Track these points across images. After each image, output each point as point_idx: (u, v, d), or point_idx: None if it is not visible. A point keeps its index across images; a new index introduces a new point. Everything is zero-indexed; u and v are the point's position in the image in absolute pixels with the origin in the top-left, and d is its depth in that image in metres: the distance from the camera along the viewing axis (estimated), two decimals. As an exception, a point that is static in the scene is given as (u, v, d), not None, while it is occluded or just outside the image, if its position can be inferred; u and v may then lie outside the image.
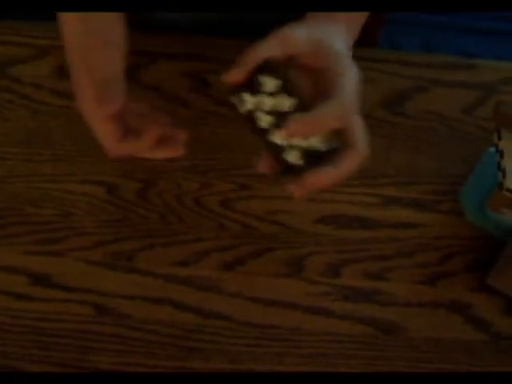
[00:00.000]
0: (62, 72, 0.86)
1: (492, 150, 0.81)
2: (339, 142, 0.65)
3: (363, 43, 0.84)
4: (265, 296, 0.79)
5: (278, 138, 0.66)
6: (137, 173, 0.83)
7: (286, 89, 0.66)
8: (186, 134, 0.73)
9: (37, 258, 0.80)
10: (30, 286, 0.79)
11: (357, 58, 0.86)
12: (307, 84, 0.68)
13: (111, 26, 0.70)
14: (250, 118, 0.66)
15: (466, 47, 1.15)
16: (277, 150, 0.66)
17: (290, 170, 0.66)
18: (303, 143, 0.65)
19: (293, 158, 0.66)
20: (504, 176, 0.74)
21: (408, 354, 0.78)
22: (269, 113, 0.66)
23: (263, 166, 0.67)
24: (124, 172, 0.83)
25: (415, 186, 0.84)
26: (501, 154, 0.75)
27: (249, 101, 0.66)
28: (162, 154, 0.74)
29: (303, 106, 0.65)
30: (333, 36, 0.68)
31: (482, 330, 0.79)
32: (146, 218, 0.81)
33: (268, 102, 0.66)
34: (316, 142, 0.65)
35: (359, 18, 0.72)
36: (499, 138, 0.75)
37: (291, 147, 0.65)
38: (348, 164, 0.65)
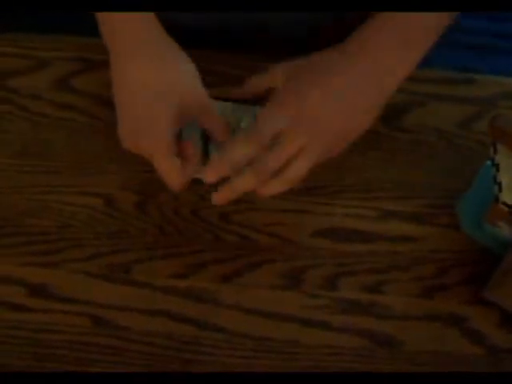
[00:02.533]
0: (62, 84, 0.87)
1: (489, 163, 0.82)
2: None
3: None
4: (262, 308, 0.79)
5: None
6: (135, 185, 0.83)
7: None
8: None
9: (34, 269, 0.80)
10: (26, 296, 0.79)
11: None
12: None
13: None
14: None
15: (464, 62, 1.16)
16: None
17: None
18: None
19: None
20: (500, 190, 0.75)
21: (404, 367, 0.78)
22: None
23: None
24: (122, 184, 0.83)
25: (412, 200, 0.84)
26: (497, 167, 0.75)
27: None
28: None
29: None
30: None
31: (479, 342, 0.79)
32: (144, 230, 0.81)
33: None
34: None
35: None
36: (495, 152, 0.75)
37: None
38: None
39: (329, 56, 0.69)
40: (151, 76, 0.72)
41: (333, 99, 0.67)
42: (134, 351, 0.77)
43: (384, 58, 0.67)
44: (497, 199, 0.76)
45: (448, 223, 0.83)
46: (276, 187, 0.70)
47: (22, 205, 0.82)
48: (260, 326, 0.79)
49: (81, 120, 0.86)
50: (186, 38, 0.92)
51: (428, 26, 0.68)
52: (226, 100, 0.82)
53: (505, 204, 0.75)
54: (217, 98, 0.83)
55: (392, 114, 0.87)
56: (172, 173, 0.73)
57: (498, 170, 0.75)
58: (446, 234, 0.83)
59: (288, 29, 0.92)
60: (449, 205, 0.84)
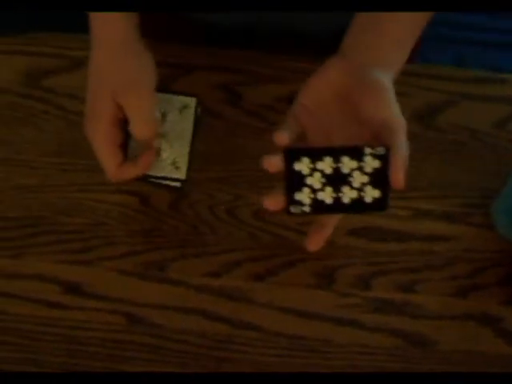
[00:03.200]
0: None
1: (524, 163, 0.81)
2: None
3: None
4: (295, 307, 0.79)
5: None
6: (169, 183, 0.83)
7: None
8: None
9: (68, 267, 0.80)
10: (61, 294, 0.79)
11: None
12: None
13: None
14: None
15: (498, 62, 1.16)
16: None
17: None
18: None
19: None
20: (536, 190, 0.75)
21: (438, 367, 0.78)
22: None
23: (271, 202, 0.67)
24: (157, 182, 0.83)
25: (447, 199, 0.84)
26: (533, 167, 0.75)
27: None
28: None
29: None
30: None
31: (514, 343, 0.79)
32: (178, 228, 0.82)
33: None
34: None
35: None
36: (531, 152, 0.75)
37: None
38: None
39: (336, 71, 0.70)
40: (106, 68, 0.76)
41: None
42: (167, 349, 0.77)
43: (379, 59, 0.70)
44: (532, 199, 0.75)
45: (482, 223, 0.83)
46: None
47: (57, 203, 0.82)
48: (293, 324, 0.79)
49: (115, 119, 0.86)
50: (212, 37, 0.93)
51: (414, 24, 0.73)
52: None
53: (540, 204, 0.74)
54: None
55: (426, 114, 0.87)
56: (106, 161, 0.76)
57: (532, 169, 0.75)
58: (480, 233, 0.83)
59: (313, 28, 0.92)
60: (483, 204, 0.83)
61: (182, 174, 0.79)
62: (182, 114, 0.79)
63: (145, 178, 0.79)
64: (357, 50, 0.70)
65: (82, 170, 0.84)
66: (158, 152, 0.78)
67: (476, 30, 1.20)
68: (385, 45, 0.71)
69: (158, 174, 0.78)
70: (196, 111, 0.79)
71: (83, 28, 0.80)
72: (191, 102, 0.79)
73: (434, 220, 0.83)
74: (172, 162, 0.78)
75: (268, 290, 0.80)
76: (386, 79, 0.68)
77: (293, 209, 0.64)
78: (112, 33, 0.76)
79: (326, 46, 0.88)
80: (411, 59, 0.99)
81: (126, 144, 0.77)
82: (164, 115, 0.79)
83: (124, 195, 0.83)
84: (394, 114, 0.67)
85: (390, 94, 0.67)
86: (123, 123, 0.75)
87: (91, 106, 0.76)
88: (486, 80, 0.89)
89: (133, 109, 0.75)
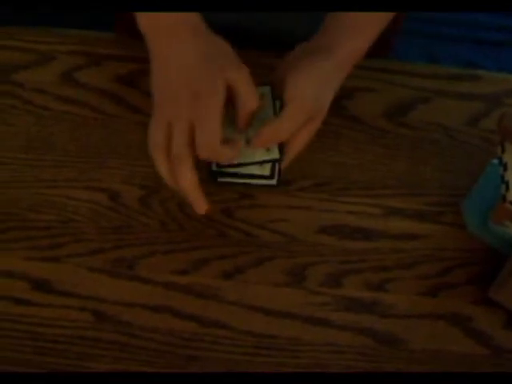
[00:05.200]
0: (66, 78, 0.86)
1: (495, 162, 0.81)
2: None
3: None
4: (264, 305, 0.79)
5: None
6: (139, 180, 0.83)
7: None
8: None
9: (37, 264, 0.80)
10: (29, 291, 0.79)
11: (360, 68, 0.86)
12: None
13: None
14: None
15: (471, 58, 1.15)
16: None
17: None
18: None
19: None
20: (507, 189, 0.74)
21: (407, 366, 0.77)
22: None
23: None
24: (126, 179, 0.83)
25: (417, 197, 0.83)
26: (504, 166, 0.74)
27: None
28: None
29: None
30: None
31: (483, 343, 0.78)
32: (148, 226, 0.81)
33: None
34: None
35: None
36: (503, 151, 0.74)
37: None
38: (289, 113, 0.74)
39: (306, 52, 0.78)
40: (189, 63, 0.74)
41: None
42: (135, 347, 0.77)
43: (343, 51, 0.77)
44: (504, 198, 0.75)
45: (453, 221, 0.83)
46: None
47: (26, 199, 0.82)
48: (262, 322, 0.78)
49: (85, 114, 0.85)
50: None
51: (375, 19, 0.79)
52: None
53: None
54: None
55: (397, 111, 0.86)
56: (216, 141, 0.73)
57: (505, 169, 0.74)
58: (451, 232, 0.82)
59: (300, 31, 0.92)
60: (454, 203, 0.83)
61: (275, 154, 0.77)
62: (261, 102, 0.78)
63: (214, 176, 0.79)
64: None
65: (50, 165, 0.83)
66: (246, 140, 0.76)
67: (449, 25, 1.19)
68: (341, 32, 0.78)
69: (254, 160, 0.77)
70: (273, 98, 0.78)
71: (54, 22, 0.80)
72: (266, 90, 0.78)
73: (404, 218, 0.82)
74: None
75: (237, 288, 0.79)
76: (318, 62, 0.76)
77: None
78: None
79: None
80: (384, 55, 0.99)
81: None
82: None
83: (93, 191, 0.82)
84: (297, 92, 0.74)
85: (304, 75, 0.75)
86: None
87: (195, 89, 0.73)
88: (459, 77, 0.89)
89: (242, 81, 0.74)
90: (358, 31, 0.77)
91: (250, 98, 0.74)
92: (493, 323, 0.79)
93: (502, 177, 0.75)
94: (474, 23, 1.20)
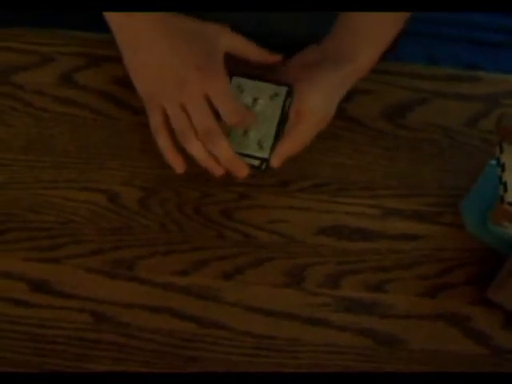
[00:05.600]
0: (65, 79, 0.87)
1: (494, 162, 0.81)
2: None
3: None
4: (263, 306, 0.79)
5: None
6: (138, 181, 0.83)
7: None
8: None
9: (36, 265, 0.80)
10: (28, 292, 0.79)
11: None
12: None
13: None
14: None
15: (470, 59, 1.15)
16: None
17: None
18: None
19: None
20: (505, 189, 0.74)
21: (406, 367, 0.77)
22: None
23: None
24: (125, 180, 0.83)
25: (416, 198, 0.83)
26: (502, 167, 0.74)
27: None
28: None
29: None
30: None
31: (482, 343, 0.78)
32: (147, 227, 0.81)
33: None
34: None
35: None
36: (501, 152, 0.74)
37: None
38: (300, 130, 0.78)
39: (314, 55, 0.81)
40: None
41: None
42: (134, 348, 0.77)
43: (352, 56, 0.79)
44: (502, 199, 0.75)
45: (452, 222, 0.83)
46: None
47: (25, 200, 0.82)
48: (261, 323, 0.78)
49: (84, 115, 0.86)
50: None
51: (387, 24, 0.81)
52: (243, 77, 0.82)
53: (510, 204, 0.74)
54: (234, 75, 0.82)
55: (396, 112, 0.86)
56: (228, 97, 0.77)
57: (503, 169, 0.74)
58: (450, 232, 0.82)
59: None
60: (453, 203, 0.83)
61: (265, 153, 0.79)
62: (272, 100, 0.80)
63: None
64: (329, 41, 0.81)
65: (50, 167, 0.83)
66: (245, 131, 0.80)
67: (449, 25, 1.19)
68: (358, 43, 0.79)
69: (243, 152, 0.79)
70: (286, 99, 0.79)
71: (54, 24, 0.80)
72: (282, 90, 0.80)
73: (403, 219, 0.83)
74: (258, 141, 0.79)
75: (236, 289, 0.79)
76: (330, 74, 0.78)
77: None
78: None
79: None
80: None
81: None
82: (255, 100, 0.80)
83: (93, 192, 0.82)
84: (305, 106, 0.77)
85: (313, 88, 0.78)
86: None
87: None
88: (458, 78, 0.89)
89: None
90: (368, 42, 0.79)
91: (253, 54, 0.81)
92: (492, 323, 0.79)
93: (500, 177, 0.75)
94: (473, 24, 1.20)
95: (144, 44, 0.77)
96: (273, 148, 0.79)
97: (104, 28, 0.81)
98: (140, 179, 0.83)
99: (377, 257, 0.81)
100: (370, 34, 0.80)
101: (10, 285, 0.79)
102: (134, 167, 0.83)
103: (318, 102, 0.77)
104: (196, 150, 0.77)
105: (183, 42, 0.77)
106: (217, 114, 0.77)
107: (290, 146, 0.78)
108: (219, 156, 0.77)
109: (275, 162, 0.79)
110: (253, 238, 0.81)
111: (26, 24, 0.89)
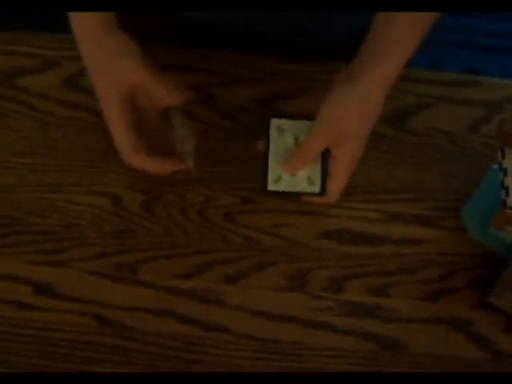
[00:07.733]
0: (70, 83, 0.87)
1: (496, 167, 0.81)
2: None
3: None
4: (266, 309, 0.79)
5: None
6: (142, 185, 0.83)
7: None
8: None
9: (40, 268, 0.80)
10: (32, 295, 0.79)
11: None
12: None
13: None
14: None
15: (472, 64, 1.15)
16: None
17: None
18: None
19: None
20: (507, 194, 0.74)
21: (409, 371, 0.78)
22: None
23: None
24: (129, 184, 0.83)
25: (419, 202, 0.84)
26: (504, 172, 0.75)
27: None
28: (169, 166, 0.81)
29: None
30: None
31: (484, 347, 0.79)
32: (150, 230, 0.82)
33: None
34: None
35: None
36: (503, 156, 0.75)
37: None
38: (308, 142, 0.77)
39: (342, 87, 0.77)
40: (100, 65, 0.78)
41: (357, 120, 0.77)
42: (138, 351, 0.77)
43: (365, 82, 0.76)
44: (504, 204, 0.75)
45: (454, 226, 0.83)
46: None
47: (29, 203, 0.82)
48: (264, 327, 0.78)
49: (88, 119, 0.86)
50: (211, 39, 0.93)
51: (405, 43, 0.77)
52: (280, 117, 0.81)
53: (512, 208, 0.74)
54: (273, 116, 0.81)
55: (399, 116, 0.87)
56: (122, 144, 0.79)
57: (505, 174, 0.75)
58: (453, 237, 0.82)
59: (326, 37, 0.93)
60: (455, 208, 0.83)
61: (316, 188, 0.78)
62: None
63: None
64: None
65: (53, 170, 0.83)
66: (294, 172, 0.78)
67: (451, 31, 1.20)
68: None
69: (294, 190, 0.78)
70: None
71: (57, 27, 0.80)
72: (306, 125, 0.79)
73: (405, 223, 0.83)
74: (307, 177, 0.78)
75: (239, 293, 0.80)
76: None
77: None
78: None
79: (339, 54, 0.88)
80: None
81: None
82: (296, 139, 0.79)
83: (96, 196, 0.83)
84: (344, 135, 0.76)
85: (328, 108, 0.76)
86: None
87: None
88: (461, 83, 0.89)
89: (147, 80, 0.78)
90: (382, 58, 0.76)
91: (157, 94, 0.78)
92: (494, 327, 0.79)
93: (502, 182, 0.75)
94: (477, 29, 1.21)
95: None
96: (322, 179, 0.78)
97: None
98: (144, 183, 0.83)
99: (380, 261, 0.81)
100: (384, 49, 0.77)
101: (14, 288, 0.79)
102: (138, 171, 0.84)
103: (331, 119, 0.76)
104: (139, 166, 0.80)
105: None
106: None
107: (340, 184, 0.78)
108: (149, 170, 0.80)
109: (333, 200, 0.80)
110: (256, 241, 0.81)
111: (30, 28, 0.89)
